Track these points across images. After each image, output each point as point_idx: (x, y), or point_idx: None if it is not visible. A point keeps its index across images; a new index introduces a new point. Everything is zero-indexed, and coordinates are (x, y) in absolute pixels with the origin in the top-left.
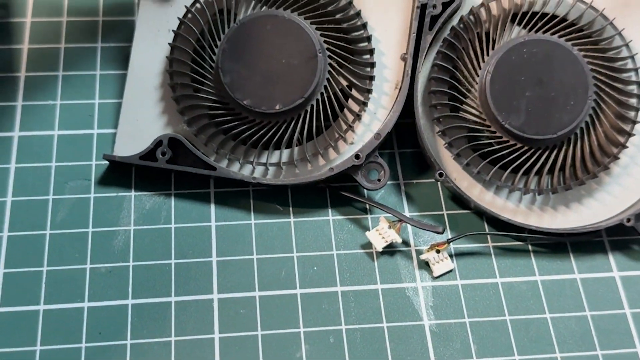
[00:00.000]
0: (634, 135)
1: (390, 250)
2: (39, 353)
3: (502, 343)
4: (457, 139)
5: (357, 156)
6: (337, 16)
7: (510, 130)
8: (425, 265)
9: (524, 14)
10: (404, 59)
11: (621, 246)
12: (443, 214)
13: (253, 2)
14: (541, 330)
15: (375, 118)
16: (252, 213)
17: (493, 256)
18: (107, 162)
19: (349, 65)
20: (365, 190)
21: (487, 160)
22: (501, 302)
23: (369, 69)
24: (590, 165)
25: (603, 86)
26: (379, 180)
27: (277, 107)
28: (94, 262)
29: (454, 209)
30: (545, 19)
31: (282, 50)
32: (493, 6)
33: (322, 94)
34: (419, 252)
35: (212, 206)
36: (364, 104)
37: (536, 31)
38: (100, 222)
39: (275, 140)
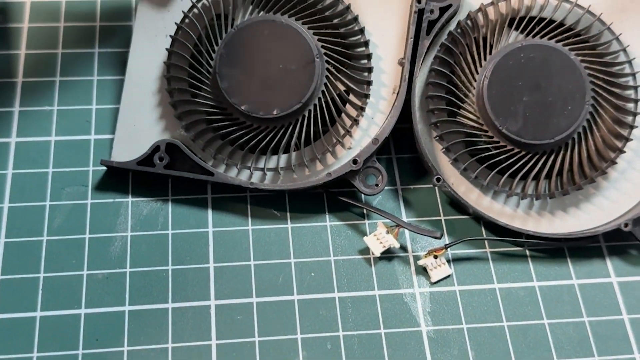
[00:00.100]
0: (632, 140)
1: (387, 255)
2: None
3: (499, 349)
4: (454, 144)
5: (354, 161)
6: (335, 21)
7: (508, 135)
8: (422, 271)
9: (522, 18)
10: (401, 63)
11: (619, 251)
12: (441, 219)
13: (250, 7)
14: (539, 336)
15: (372, 123)
16: (250, 219)
17: (491, 262)
18: (104, 168)
19: (346, 70)
20: (362, 195)
21: (485, 165)
22: (499, 308)
23: (366, 74)
24: (587, 170)
25: (600, 91)
26: (376, 185)
27: (275, 112)
28: (90, 268)
29: (452, 214)
30: (543, 24)
31: (280, 55)
32: (490, 11)
33: (319, 99)
34: (416, 258)
35: (210, 212)
36: (362, 108)
37: (533, 36)
38: (97, 228)
39: (272, 145)
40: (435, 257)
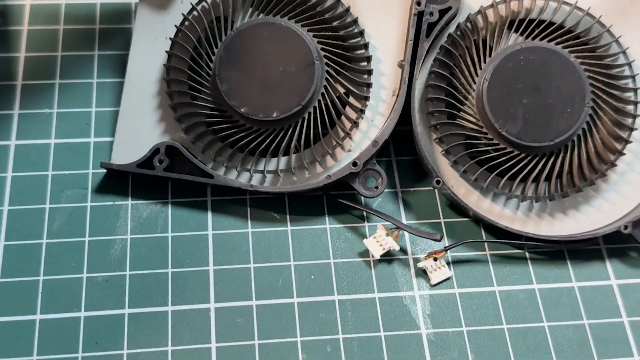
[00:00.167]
0: (631, 142)
1: (387, 258)
2: None
3: (499, 352)
4: (454, 146)
5: (354, 163)
6: (335, 23)
7: (508, 137)
8: (422, 274)
9: (521, 21)
10: (401, 66)
11: (619, 254)
12: (440, 222)
13: (250, 10)
14: (539, 338)
15: (372, 125)
16: (249, 221)
17: (490, 264)
18: (104, 171)
19: (346, 73)
20: (362, 198)
21: (485, 167)
22: (499, 311)
23: (366, 76)
24: (587, 172)
25: (600, 93)
26: (376, 187)
27: (275, 114)
28: (90, 271)
29: (452, 216)
30: (542, 26)
31: (280, 57)
32: (490, 13)
33: (319, 101)
34: (416, 260)
35: (209, 214)
36: (362, 111)
37: (533, 38)
38: (96, 231)
39: (272, 147)
40: (435, 259)
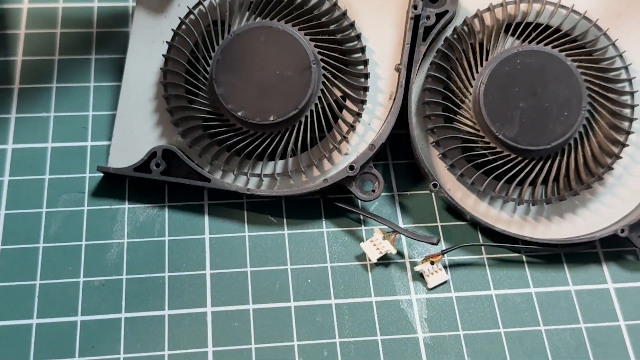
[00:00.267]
0: (628, 145)
1: (384, 262)
2: None
3: (496, 355)
4: (451, 150)
5: (351, 167)
6: (331, 27)
7: (504, 141)
8: (419, 277)
9: (518, 24)
10: (398, 69)
11: (615, 257)
12: (437, 225)
13: (247, 14)
14: (536, 342)
15: (369, 129)
16: (246, 225)
17: (487, 268)
18: (101, 175)
19: (343, 76)
20: (359, 201)
21: (481, 170)
22: (495, 315)
23: (363, 80)
24: (584, 175)
25: (597, 97)
26: (373, 191)
27: (271, 118)
28: (87, 275)
29: (448, 220)
30: (539, 30)
31: (276, 61)
32: (487, 17)
33: (316, 105)
34: (413, 264)
35: (206, 218)
36: (358, 114)
37: (530, 42)
38: (93, 235)
39: (269, 151)
40: (432, 263)
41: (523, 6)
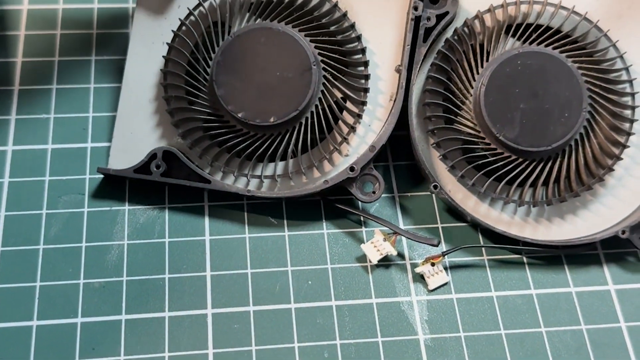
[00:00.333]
0: (629, 147)
1: (385, 263)
2: None
3: (497, 357)
4: (451, 151)
5: (351, 168)
6: (332, 28)
7: (505, 142)
8: (420, 279)
9: (518, 25)
10: (398, 71)
11: (616, 259)
12: (438, 227)
13: (247, 15)
14: (536, 344)
15: (369, 130)
16: (247, 227)
17: (488, 269)
18: (101, 176)
19: (343, 78)
20: (360, 203)
21: (482, 172)
22: (496, 316)
23: (363, 81)
24: (585, 177)
25: (597, 98)
26: (373, 192)
27: (272, 119)
28: (87, 277)
29: (449, 221)
30: (540, 31)
31: (277, 62)
32: (487, 18)
33: (316, 106)
34: (414, 266)
35: (207, 220)
36: (359, 116)
37: (530, 43)
38: (93, 236)
39: (269, 152)
40: (433, 264)
41: (524, 7)
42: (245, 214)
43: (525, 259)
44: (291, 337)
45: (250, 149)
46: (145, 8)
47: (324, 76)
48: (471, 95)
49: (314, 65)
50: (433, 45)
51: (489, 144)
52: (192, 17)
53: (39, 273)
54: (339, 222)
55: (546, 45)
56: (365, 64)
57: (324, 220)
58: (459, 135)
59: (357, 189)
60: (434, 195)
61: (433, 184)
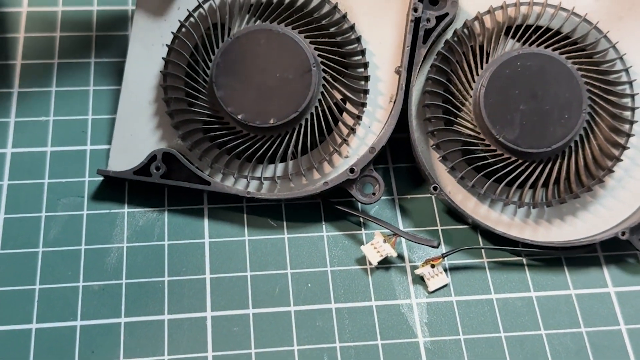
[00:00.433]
0: (629, 148)
1: (384, 266)
2: None
3: None
4: (451, 153)
5: (351, 170)
6: (331, 30)
7: (505, 143)
8: (420, 282)
9: (518, 27)
10: (398, 72)
11: (616, 261)
12: (438, 229)
13: (247, 17)
14: (536, 346)
15: (369, 131)
16: (246, 229)
17: (488, 272)
18: (100, 179)
19: (343, 79)
20: (360, 205)
21: (482, 173)
22: (496, 319)
23: (363, 83)
24: (584, 178)
25: (597, 99)
26: (373, 194)
27: (272, 121)
28: (86, 280)
29: (449, 223)
30: (539, 32)
31: (276, 64)
32: (487, 19)
33: (316, 107)
34: (413, 268)
35: (206, 223)
36: (359, 117)
37: (530, 44)
38: (93, 239)
39: (269, 154)
40: (433, 266)
41: (523, 9)
42: (245, 216)
43: (525, 261)
44: (291, 340)
45: (250, 150)
46: (144, 10)
47: (324, 77)
48: (471, 97)
49: (314, 66)
50: (433, 46)
51: (489, 145)
52: (191, 19)
53: (38, 276)
54: (339, 224)
55: (546, 47)
56: (365, 65)
57: (323, 223)
58: (459, 136)
59: (357, 191)
60: (433, 197)
61: (433, 185)
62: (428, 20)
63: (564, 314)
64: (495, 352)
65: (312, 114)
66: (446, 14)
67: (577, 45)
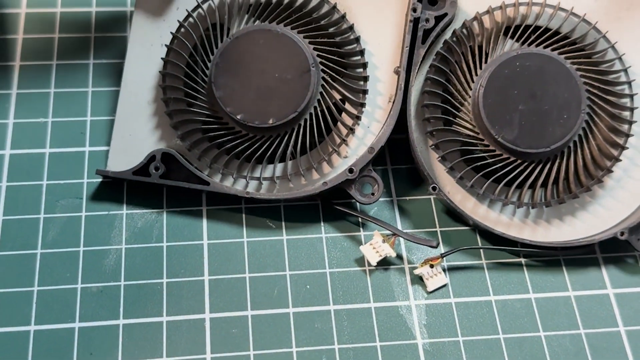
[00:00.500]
0: (627, 148)
1: (383, 267)
2: None
3: None
4: (450, 153)
5: (350, 170)
6: (330, 30)
7: (504, 143)
8: (419, 280)
9: (517, 27)
10: (397, 72)
11: (615, 262)
12: (436, 231)
13: (246, 17)
14: (535, 348)
15: (368, 132)
16: (245, 231)
17: (487, 274)
18: (99, 180)
19: (342, 79)
20: (359, 205)
21: (481, 173)
22: (495, 320)
23: (362, 83)
24: (583, 178)
25: (596, 99)
26: (372, 194)
27: (271, 121)
28: (85, 281)
29: (448, 223)
30: (538, 32)
31: (275, 64)
32: (486, 19)
33: (315, 107)
34: (412, 269)
35: (205, 224)
36: (358, 117)
37: (529, 44)
38: (91, 241)
39: (268, 154)
40: (432, 266)
41: (522, 9)
42: (244, 217)
43: (523, 261)
44: (289, 341)
45: (249, 150)
46: (144, 10)
47: (323, 78)
48: (470, 97)
49: (313, 66)
50: (432, 46)
51: (488, 146)
52: (190, 19)
53: (36, 278)
54: (338, 225)
55: (545, 47)
56: (364, 65)
57: (322, 224)
58: (458, 136)
59: (356, 191)
60: (432, 198)
61: (432, 186)
62: (427, 20)
63: (562, 315)
64: (494, 353)
65: (311, 114)
66: (445, 14)
67: (576, 46)
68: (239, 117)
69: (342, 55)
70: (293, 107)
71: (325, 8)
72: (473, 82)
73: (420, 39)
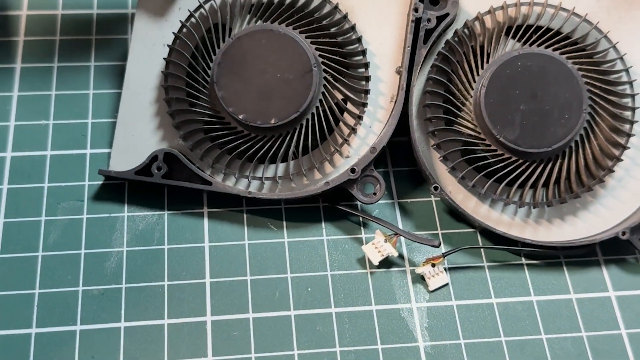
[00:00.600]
0: (629, 148)
1: (385, 269)
2: None
3: None
4: (452, 153)
5: (352, 170)
6: (332, 30)
7: (505, 143)
8: (420, 282)
9: (519, 27)
10: (399, 72)
11: (616, 264)
12: (438, 233)
13: (248, 17)
14: (537, 351)
15: (370, 132)
16: (246, 233)
17: (488, 276)
18: (100, 183)
19: (344, 79)
20: (360, 206)
21: (482, 173)
22: (496, 323)
23: (364, 83)
24: (585, 178)
25: (597, 99)
26: (374, 194)
27: (273, 121)
28: (86, 284)
29: (449, 223)
30: (540, 32)
31: (277, 64)
32: (487, 20)
33: (317, 107)
34: (414, 271)
35: (206, 226)
36: (359, 117)
37: (530, 44)
38: (92, 243)
39: (270, 154)
40: (433, 265)
41: (524, 9)
42: (245, 219)
43: (524, 262)
44: (291, 344)
45: (251, 150)
46: (146, 10)
47: (325, 78)
48: (471, 97)
49: (315, 67)
50: (433, 46)
51: (490, 145)
52: (192, 19)
53: (37, 280)
54: (339, 227)
55: (546, 47)
56: (366, 65)
57: (323, 227)
58: (460, 136)
59: (357, 191)
60: (433, 200)
61: (433, 185)
62: (429, 20)
63: (564, 318)
64: (496, 356)
65: (313, 114)
66: (447, 14)
67: (578, 46)
68: (241, 117)
69: (344, 55)
70: (295, 107)
71: (327, 8)
72: (475, 82)
73: (422, 39)
